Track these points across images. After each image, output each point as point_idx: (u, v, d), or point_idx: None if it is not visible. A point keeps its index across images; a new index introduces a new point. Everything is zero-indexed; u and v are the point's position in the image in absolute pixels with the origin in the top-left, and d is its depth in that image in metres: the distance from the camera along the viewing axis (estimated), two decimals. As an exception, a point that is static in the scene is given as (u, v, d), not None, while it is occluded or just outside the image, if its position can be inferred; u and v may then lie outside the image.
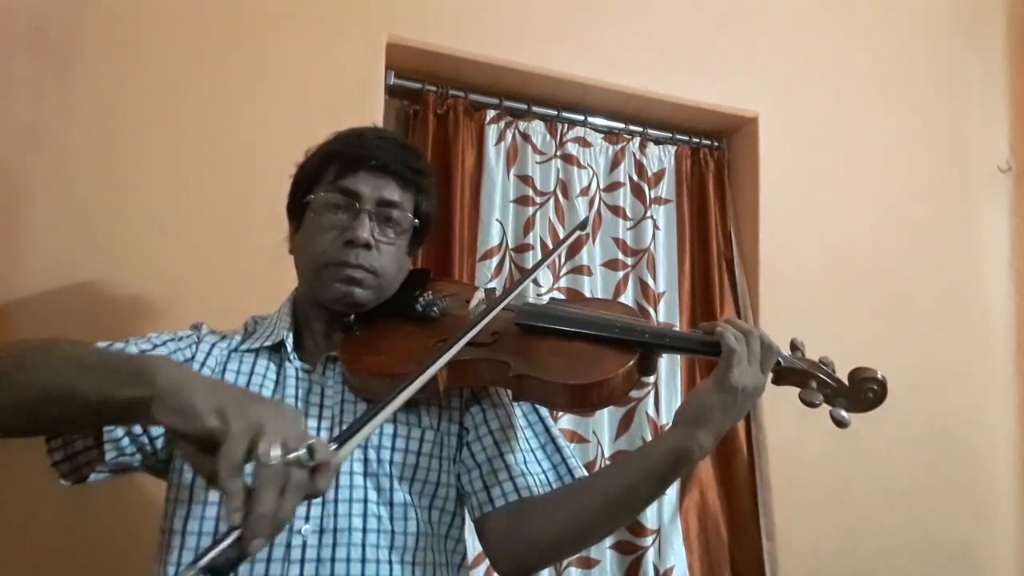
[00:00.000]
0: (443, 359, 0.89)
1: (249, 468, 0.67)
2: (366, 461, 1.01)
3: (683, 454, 0.96)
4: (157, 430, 1.00)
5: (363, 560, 0.96)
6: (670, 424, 2.00)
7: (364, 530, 0.98)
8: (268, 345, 1.09)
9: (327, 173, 1.09)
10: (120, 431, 0.97)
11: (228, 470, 0.66)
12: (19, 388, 0.81)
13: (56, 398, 0.79)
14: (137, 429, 0.99)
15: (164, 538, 0.98)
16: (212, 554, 0.62)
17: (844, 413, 1.01)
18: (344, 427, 1.02)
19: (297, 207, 1.13)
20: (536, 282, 1.94)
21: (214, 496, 0.97)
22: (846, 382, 1.03)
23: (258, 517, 0.64)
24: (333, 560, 0.95)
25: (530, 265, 1.95)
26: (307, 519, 0.96)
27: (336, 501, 0.98)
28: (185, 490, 0.98)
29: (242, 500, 0.64)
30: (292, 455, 0.66)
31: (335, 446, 0.72)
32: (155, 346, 1.05)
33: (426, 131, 1.90)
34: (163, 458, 1.02)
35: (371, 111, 1.74)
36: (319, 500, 0.96)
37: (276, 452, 0.66)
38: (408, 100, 1.97)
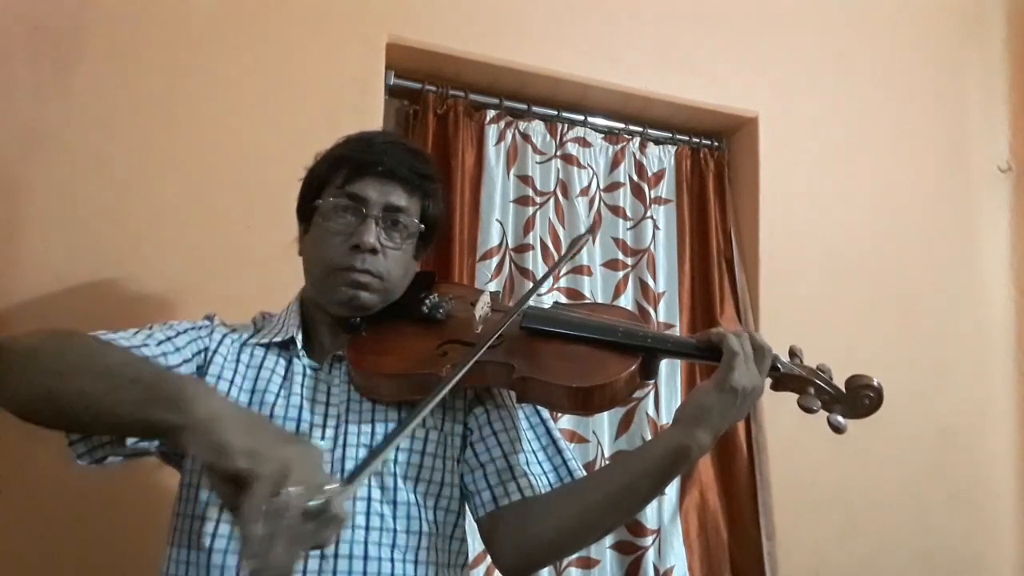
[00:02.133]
0: (444, 390, 0.87)
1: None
2: None
3: (682, 452, 0.98)
4: None
5: (365, 558, 0.97)
6: (668, 424, 2.02)
7: (367, 528, 0.99)
8: (278, 341, 1.11)
9: (335, 178, 1.10)
10: None
11: (252, 514, 0.67)
12: (39, 386, 0.82)
13: (82, 407, 0.80)
14: None
15: (177, 522, 1.01)
16: None
17: (841, 419, 1.03)
18: (348, 425, 1.04)
19: (306, 210, 1.14)
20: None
21: None
22: (843, 389, 1.05)
23: (265, 565, 0.65)
24: (336, 557, 0.96)
25: (530, 265, 1.95)
26: None
27: None
28: (195, 475, 1.00)
29: (260, 546, 0.66)
30: (309, 506, 0.67)
31: (346, 487, 0.72)
32: (177, 333, 1.07)
33: (426, 131, 1.90)
34: (180, 451, 1.02)
35: (371, 111, 1.74)
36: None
37: (298, 502, 0.67)
38: (408, 100, 1.97)
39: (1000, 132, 2.53)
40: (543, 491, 1.08)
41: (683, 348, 1.12)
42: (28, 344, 0.88)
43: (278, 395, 1.05)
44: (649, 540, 1.94)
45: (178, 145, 1.61)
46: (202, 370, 1.06)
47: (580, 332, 1.08)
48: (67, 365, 0.83)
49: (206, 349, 1.08)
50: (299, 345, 1.10)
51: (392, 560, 0.99)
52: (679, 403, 2.05)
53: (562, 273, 2.02)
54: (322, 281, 1.10)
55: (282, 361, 1.10)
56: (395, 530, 1.01)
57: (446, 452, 1.08)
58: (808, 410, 1.04)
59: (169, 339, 1.05)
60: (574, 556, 1.86)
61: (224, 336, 1.11)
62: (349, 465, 1.01)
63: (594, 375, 1.02)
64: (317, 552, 0.95)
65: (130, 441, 0.96)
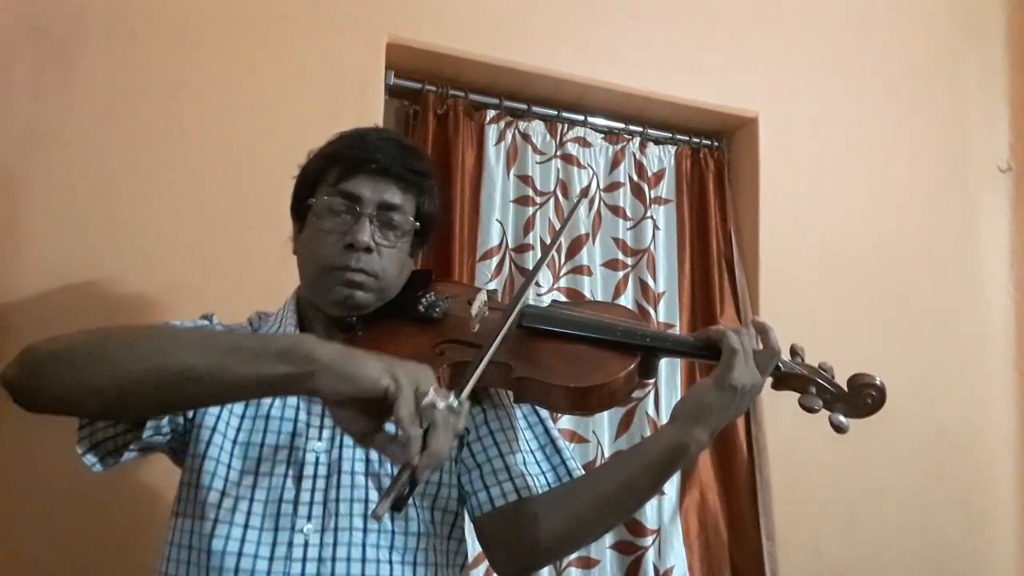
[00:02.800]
0: (503, 331, 0.96)
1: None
2: (368, 461, 1.02)
3: (680, 449, 0.99)
4: (191, 412, 1.02)
5: (363, 560, 0.97)
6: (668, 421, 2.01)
7: (364, 530, 0.98)
8: None
9: (329, 176, 1.09)
10: None
11: (410, 417, 0.75)
12: (135, 364, 0.83)
13: (189, 379, 0.82)
14: None
15: (176, 521, 1.01)
16: (396, 490, 0.75)
17: (842, 419, 1.02)
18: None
19: (300, 209, 1.14)
20: (536, 282, 1.94)
21: (232, 487, 0.98)
22: (845, 388, 1.04)
23: (431, 455, 0.75)
24: (334, 559, 0.96)
25: (530, 265, 1.95)
26: (309, 518, 0.97)
27: (338, 500, 0.98)
28: (193, 475, 1.00)
29: (421, 443, 0.75)
30: (448, 402, 0.78)
31: (455, 393, 0.82)
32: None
33: (426, 131, 1.90)
34: (185, 441, 1.03)
35: (371, 111, 1.74)
36: (321, 500, 0.98)
37: (441, 402, 0.77)
38: (408, 100, 1.97)
39: (1000, 132, 2.53)
40: (541, 491, 1.07)
41: (682, 347, 1.11)
42: (90, 339, 0.87)
43: (272, 401, 1.05)
44: (649, 540, 1.94)
45: (178, 145, 1.61)
46: None
47: (578, 331, 1.07)
48: (157, 346, 0.84)
49: None
50: None
51: (390, 562, 0.98)
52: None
53: (562, 273, 2.02)
54: (317, 281, 1.09)
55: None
56: (393, 531, 1.00)
57: None
58: (810, 409, 1.03)
59: None
60: (574, 556, 1.86)
61: None
62: (346, 467, 1.00)
63: (592, 375, 1.01)
64: (315, 555, 0.95)
65: (146, 434, 0.97)
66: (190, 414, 1.02)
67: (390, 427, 0.78)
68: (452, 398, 0.79)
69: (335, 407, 0.82)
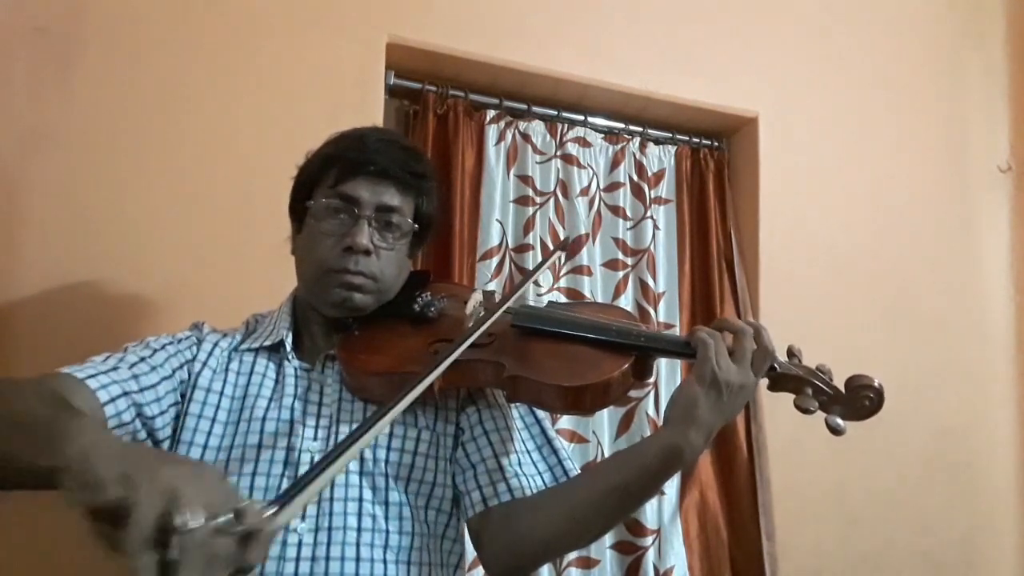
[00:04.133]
0: (416, 390, 0.84)
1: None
2: (362, 460, 1.02)
3: (674, 452, 0.94)
4: (162, 418, 1.00)
5: (357, 559, 0.97)
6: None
7: (359, 529, 0.98)
8: (267, 345, 1.10)
9: (327, 177, 1.09)
10: (128, 415, 0.96)
11: (135, 544, 0.57)
12: None
13: None
14: (149, 411, 0.98)
15: None
16: None
17: (839, 421, 1.00)
18: (339, 426, 1.03)
19: (298, 210, 1.14)
20: (536, 283, 1.94)
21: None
22: (842, 390, 1.02)
23: None
24: (327, 559, 0.95)
25: (530, 265, 1.95)
26: (303, 518, 0.97)
27: (331, 500, 0.98)
28: None
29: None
30: (215, 522, 0.58)
31: (273, 509, 0.63)
32: (154, 351, 1.04)
33: (426, 131, 1.90)
34: (175, 441, 1.02)
35: (371, 111, 1.74)
36: (315, 499, 0.97)
37: (197, 521, 0.57)
38: (408, 100, 1.97)
39: (1000, 132, 2.53)
40: (536, 492, 1.06)
41: (672, 347, 1.09)
42: None
43: (271, 399, 1.05)
44: (649, 540, 1.94)
45: (178, 145, 1.61)
46: (189, 382, 1.05)
47: (572, 331, 1.07)
48: None
49: (191, 361, 1.06)
50: (288, 348, 1.09)
51: (384, 561, 0.98)
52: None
53: (562, 274, 2.02)
54: (315, 282, 1.09)
55: (272, 364, 1.09)
56: (387, 531, 1.00)
57: (438, 452, 1.07)
58: (805, 411, 1.01)
59: (143, 359, 1.02)
60: (573, 556, 1.86)
61: (214, 346, 1.09)
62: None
63: (585, 374, 1.00)
64: (308, 554, 0.95)
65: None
66: (167, 431, 1.01)
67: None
68: (222, 518, 0.59)
69: (91, 524, 0.63)
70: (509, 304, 1.09)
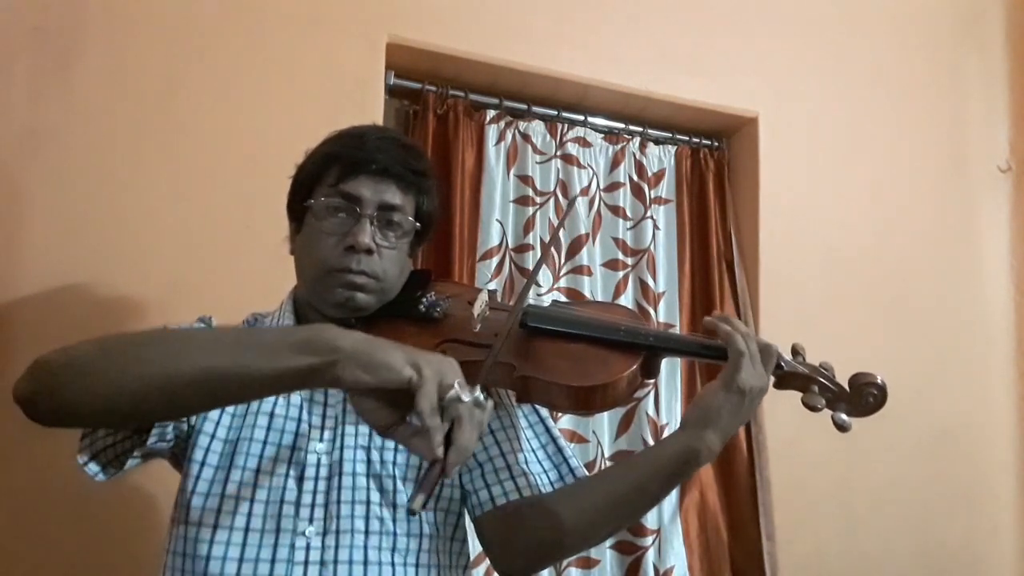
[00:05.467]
0: (508, 327, 0.97)
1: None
2: (369, 462, 1.01)
3: (691, 455, 0.98)
4: (194, 418, 1.00)
5: (365, 562, 0.96)
6: (667, 424, 2.01)
7: (367, 532, 0.98)
8: None
9: (327, 176, 1.08)
10: None
11: (431, 410, 0.75)
12: (149, 371, 0.81)
13: (208, 381, 0.81)
14: None
15: (175, 529, 0.99)
16: (428, 484, 0.74)
17: (845, 417, 1.03)
18: (345, 427, 1.03)
19: (298, 209, 1.13)
20: (536, 282, 1.94)
21: (232, 489, 0.98)
22: (847, 387, 1.05)
23: (458, 448, 0.75)
24: (336, 562, 0.95)
25: (530, 265, 1.95)
26: (311, 520, 0.96)
27: (339, 503, 0.98)
28: (192, 481, 0.99)
29: (443, 435, 0.75)
30: (474, 396, 0.78)
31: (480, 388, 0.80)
32: None
33: (426, 131, 1.90)
34: (187, 446, 1.02)
35: (371, 111, 1.74)
36: (323, 502, 0.98)
37: (466, 393, 0.77)
38: (408, 100, 1.97)
39: (1000, 132, 2.53)
40: (542, 490, 1.07)
41: (687, 347, 1.11)
42: (100, 348, 0.84)
43: (276, 399, 1.04)
44: (649, 540, 1.94)
45: (178, 145, 1.61)
46: None
47: (581, 331, 1.07)
48: (170, 350, 0.83)
49: None
50: None
51: (393, 564, 0.98)
52: (679, 402, 2.06)
53: (562, 273, 2.02)
54: (317, 282, 1.08)
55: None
56: (395, 533, 0.99)
57: None
58: (813, 408, 1.03)
59: None
60: (574, 557, 1.86)
61: None
62: (347, 468, 0.99)
63: (595, 374, 1.01)
64: (317, 558, 0.95)
65: (151, 441, 0.96)
66: (193, 419, 1.01)
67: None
68: (479, 391, 0.78)
69: (356, 397, 0.81)
70: (527, 295, 1.09)
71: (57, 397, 0.83)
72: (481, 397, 0.78)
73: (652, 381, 1.97)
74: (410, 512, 0.78)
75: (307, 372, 0.79)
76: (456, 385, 0.77)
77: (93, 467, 0.96)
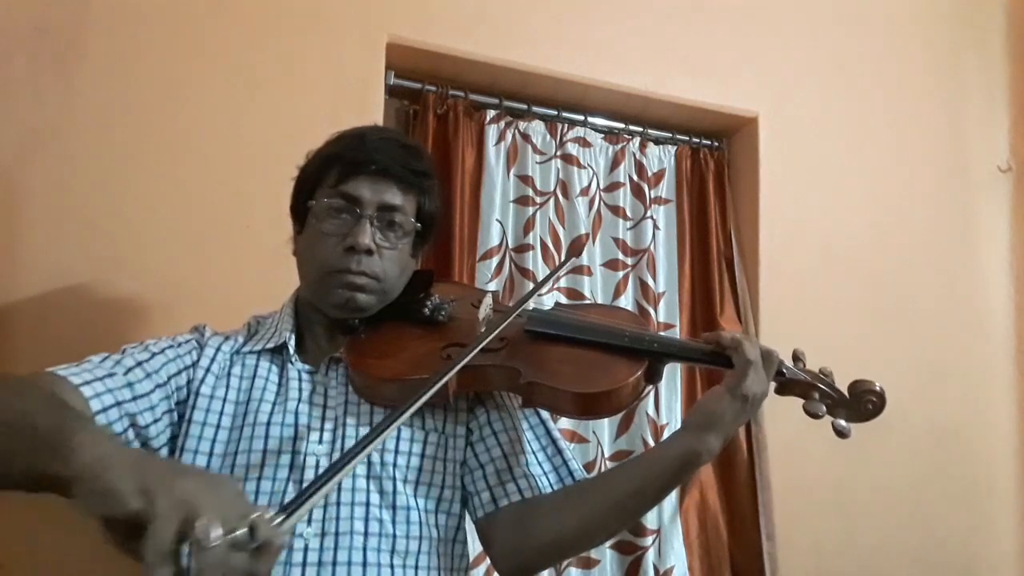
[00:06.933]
0: (426, 395, 0.84)
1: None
2: (369, 464, 1.01)
3: (692, 457, 0.99)
4: (155, 426, 0.98)
5: (364, 564, 0.96)
6: (667, 424, 2.01)
7: (365, 534, 0.97)
8: (270, 347, 1.09)
9: (328, 177, 1.08)
10: (120, 425, 0.94)
11: (156, 556, 0.59)
12: None
13: None
14: (142, 419, 0.96)
15: None
16: None
17: (845, 424, 1.04)
18: (345, 428, 1.03)
19: (299, 210, 1.13)
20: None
21: None
22: (846, 394, 1.06)
23: None
24: (334, 564, 0.95)
25: (530, 265, 1.95)
26: (309, 522, 0.96)
27: (338, 504, 0.98)
28: None
29: None
30: (232, 536, 0.60)
31: (281, 518, 0.64)
32: (152, 354, 1.02)
33: (426, 131, 1.90)
34: (177, 447, 1.01)
35: (371, 111, 1.74)
36: (321, 504, 0.97)
37: (215, 533, 0.59)
38: (408, 100, 1.97)
39: (1000, 132, 2.53)
40: (544, 492, 1.07)
41: (691, 353, 1.11)
42: None
43: (274, 403, 1.04)
44: (649, 540, 1.94)
45: (178, 145, 1.61)
46: (188, 389, 1.03)
47: (586, 336, 1.07)
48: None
49: (191, 366, 1.05)
50: (291, 350, 1.08)
51: (392, 566, 0.98)
52: (679, 402, 2.06)
53: (562, 274, 2.02)
54: (318, 283, 1.08)
55: (275, 367, 1.08)
56: (395, 535, 0.99)
57: (447, 455, 1.07)
58: (814, 415, 1.04)
59: (140, 364, 1.00)
60: (575, 557, 1.86)
61: (216, 350, 1.08)
62: None
63: (601, 380, 1.01)
64: (315, 559, 0.94)
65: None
66: (179, 429, 1.00)
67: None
68: (241, 532, 0.60)
69: (105, 531, 0.66)
70: (520, 310, 1.09)
71: None
72: (242, 537, 0.60)
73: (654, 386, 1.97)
74: None
75: (53, 479, 0.68)
76: (203, 525, 0.58)
77: None
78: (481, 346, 0.96)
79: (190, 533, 0.59)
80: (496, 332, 1.00)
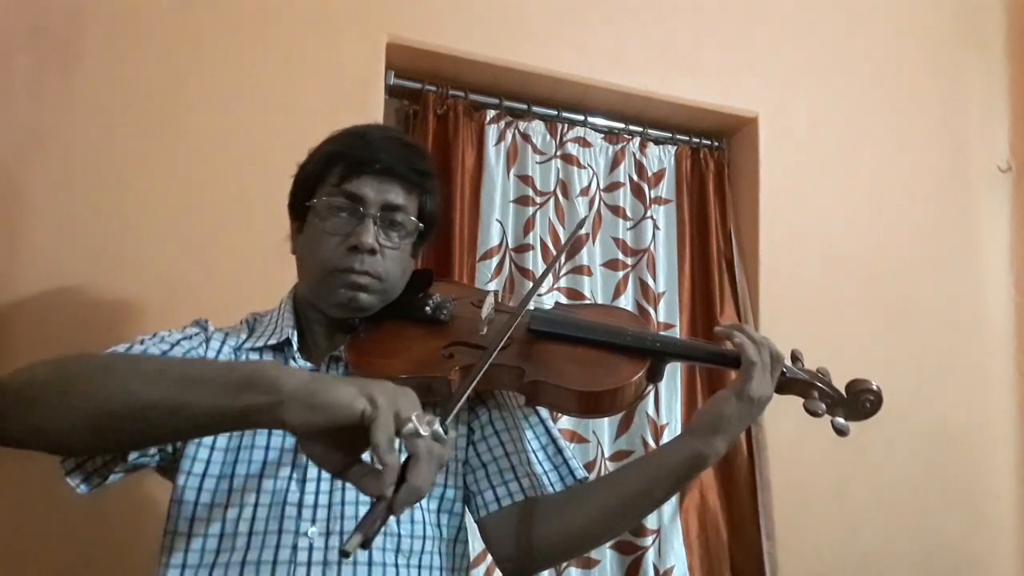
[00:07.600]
0: (500, 344, 0.95)
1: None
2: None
3: (699, 459, 1.00)
4: None
5: (369, 563, 0.96)
6: (667, 424, 2.01)
7: None
8: (272, 344, 1.09)
9: (330, 176, 1.08)
10: None
11: (387, 444, 0.70)
12: (90, 405, 0.78)
13: (149, 417, 0.77)
14: None
15: (167, 540, 0.98)
16: (368, 525, 0.68)
17: (843, 422, 1.06)
18: None
19: (300, 208, 1.12)
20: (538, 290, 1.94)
21: (220, 498, 0.97)
22: (844, 393, 1.07)
23: (410, 488, 0.69)
24: (339, 563, 0.94)
25: (530, 265, 1.95)
26: (313, 521, 0.96)
27: (343, 503, 0.97)
28: (190, 491, 0.98)
29: (398, 473, 0.69)
30: (433, 430, 0.72)
31: (439, 421, 0.76)
32: (171, 345, 1.03)
33: (426, 131, 1.90)
34: (176, 458, 1.01)
35: (371, 111, 1.74)
36: (325, 503, 0.97)
37: (423, 426, 0.71)
38: (408, 100, 1.97)
39: (1000, 132, 2.53)
40: (547, 491, 1.07)
41: (695, 353, 1.12)
42: (49, 372, 0.82)
43: None
44: (649, 540, 1.94)
45: (178, 145, 1.61)
46: None
47: (590, 335, 1.08)
48: (115, 381, 0.79)
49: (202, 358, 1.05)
50: (295, 347, 1.08)
51: (396, 566, 0.98)
52: (679, 402, 2.06)
53: (562, 274, 2.02)
54: (319, 282, 1.07)
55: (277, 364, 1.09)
56: (399, 534, 0.99)
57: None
58: (814, 414, 1.05)
59: (164, 354, 1.01)
60: (576, 556, 1.86)
61: (221, 343, 1.08)
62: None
63: (604, 379, 1.02)
64: (320, 559, 0.94)
65: (132, 456, 0.95)
66: None
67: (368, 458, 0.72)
68: (437, 425, 0.73)
69: (305, 441, 0.75)
70: (530, 302, 1.09)
71: (4, 425, 0.81)
72: (441, 431, 0.73)
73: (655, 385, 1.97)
74: (342, 554, 0.68)
75: (246, 412, 0.75)
76: (414, 418, 0.72)
77: (75, 478, 0.93)
78: (504, 340, 0.97)
79: (404, 426, 0.71)
80: (513, 326, 1.01)
